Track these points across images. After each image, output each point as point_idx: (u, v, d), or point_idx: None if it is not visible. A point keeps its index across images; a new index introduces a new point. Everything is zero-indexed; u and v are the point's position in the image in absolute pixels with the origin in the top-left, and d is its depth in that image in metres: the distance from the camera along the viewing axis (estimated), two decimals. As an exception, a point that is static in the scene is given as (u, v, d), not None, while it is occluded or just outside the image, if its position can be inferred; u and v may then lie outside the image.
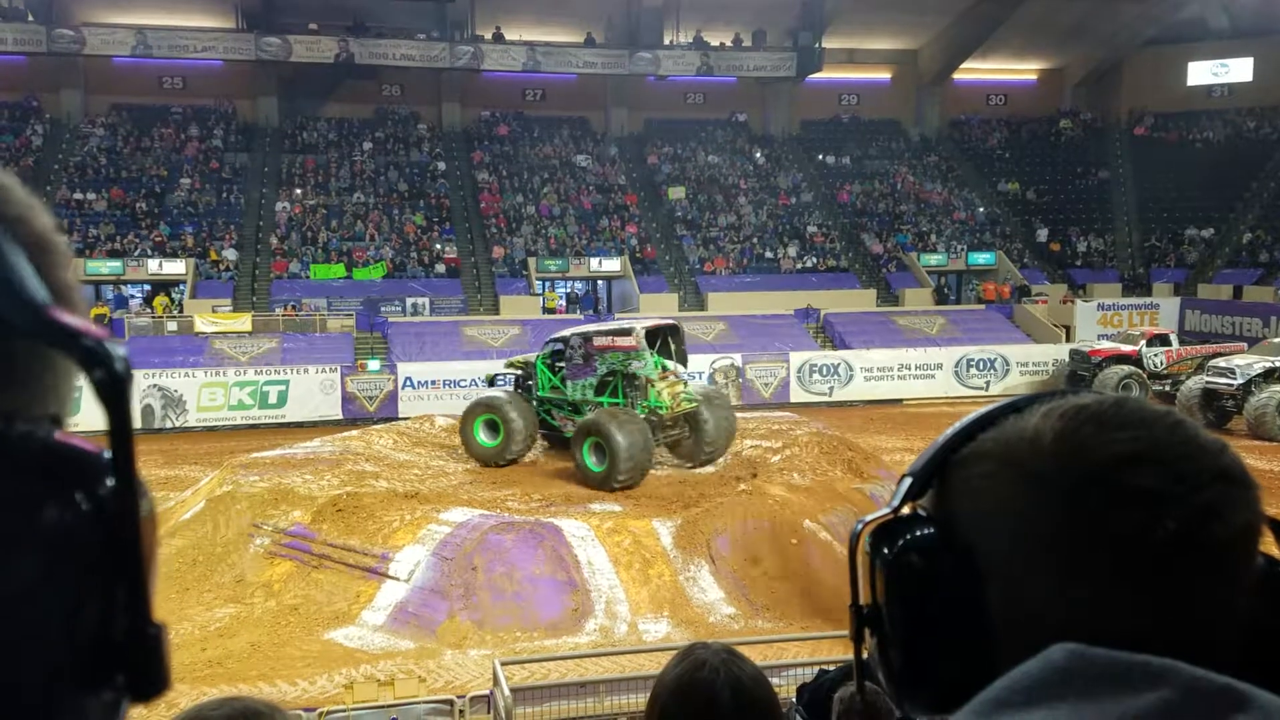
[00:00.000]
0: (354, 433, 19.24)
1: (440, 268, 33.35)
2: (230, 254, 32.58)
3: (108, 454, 0.54)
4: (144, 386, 24.21)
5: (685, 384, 16.32)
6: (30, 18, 34.30)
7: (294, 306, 30.18)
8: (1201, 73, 43.16)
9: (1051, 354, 29.75)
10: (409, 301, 31.30)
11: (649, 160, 39.94)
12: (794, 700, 3.28)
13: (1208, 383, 23.47)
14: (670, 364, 16.14)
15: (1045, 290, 34.97)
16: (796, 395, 28.12)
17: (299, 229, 33.99)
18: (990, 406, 0.83)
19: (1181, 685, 0.65)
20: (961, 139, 44.14)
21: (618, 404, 15.75)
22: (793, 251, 36.04)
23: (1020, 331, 31.96)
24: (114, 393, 0.51)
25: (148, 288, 31.41)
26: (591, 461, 14.80)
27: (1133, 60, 43.65)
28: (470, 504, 13.98)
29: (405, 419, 21.69)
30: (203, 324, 28.37)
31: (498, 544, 12.68)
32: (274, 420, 25.30)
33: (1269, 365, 22.96)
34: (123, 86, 37.75)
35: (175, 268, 31.24)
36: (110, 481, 0.54)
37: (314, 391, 25.79)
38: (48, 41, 34.05)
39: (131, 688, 0.55)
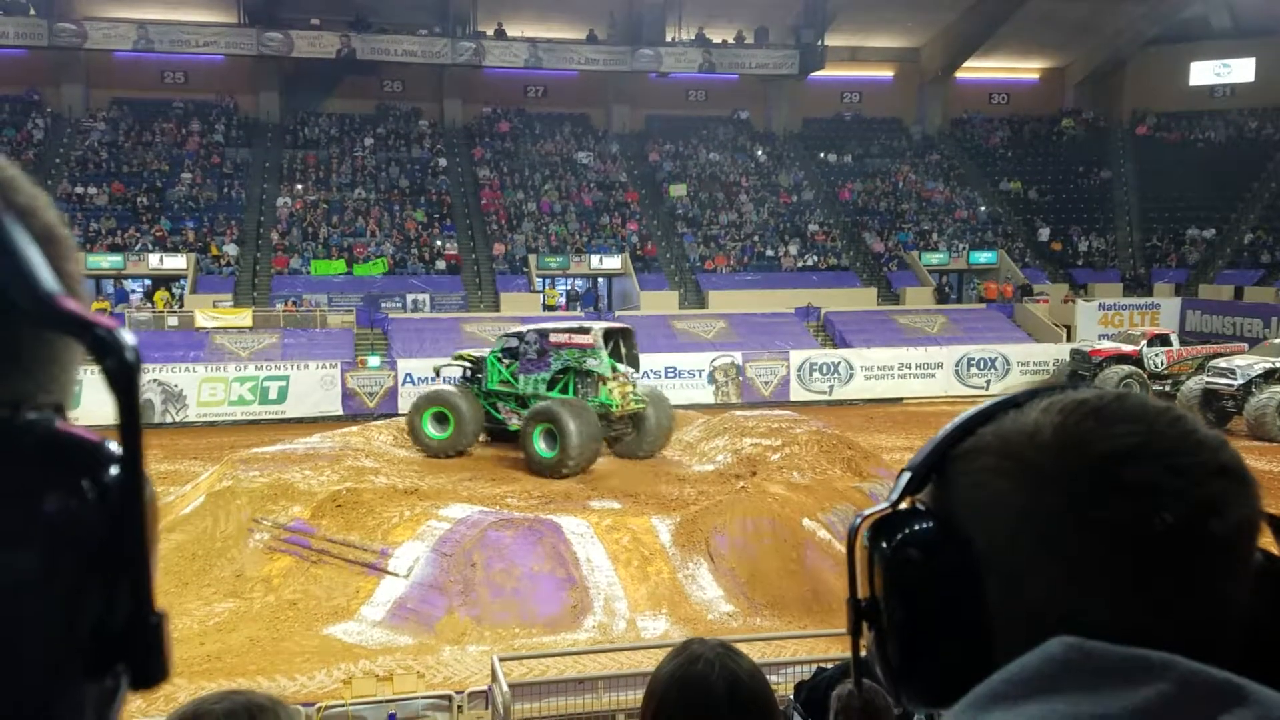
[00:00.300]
0: (354, 429, 19.27)
1: (441, 264, 33.35)
2: (231, 249, 32.58)
3: (111, 444, 0.55)
4: (144, 381, 24.11)
5: (634, 386, 16.91)
6: (32, 11, 34.34)
7: (294, 302, 30.19)
8: (1204, 73, 43.13)
9: (1052, 354, 29.75)
10: (409, 298, 31.30)
11: (650, 157, 39.92)
12: (792, 698, 3.29)
13: (1208, 383, 23.47)
14: (621, 366, 16.79)
15: (1046, 290, 34.97)
16: (796, 394, 28.12)
17: (300, 225, 33.99)
18: (989, 402, 0.82)
19: (1179, 679, 0.65)
20: (963, 137, 44.12)
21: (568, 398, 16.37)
22: (794, 250, 36.03)
23: (1021, 331, 31.97)
24: (125, 382, 0.52)
25: (148, 282, 31.41)
26: (542, 448, 15.33)
27: (1135, 60, 43.62)
28: (470, 500, 13.99)
29: (405, 415, 21.69)
30: (203, 319, 28.37)
31: (497, 540, 12.70)
32: (274, 416, 25.32)
33: (1269, 366, 22.97)
34: (124, 81, 37.74)
35: (176, 263, 31.25)
36: (115, 470, 0.54)
37: (314, 387, 25.80)
38: (49, 35, 34.06)
39: (132, 675, 0.55)
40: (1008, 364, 29.61)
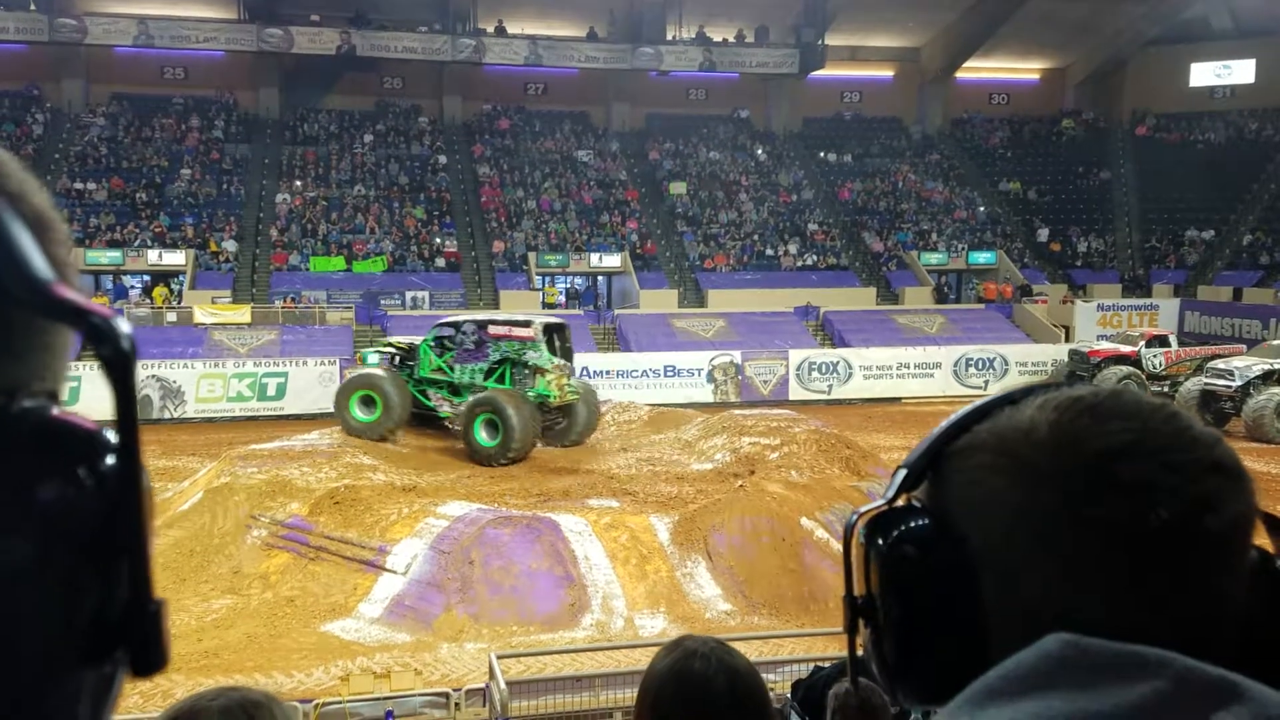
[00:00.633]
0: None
1: (440, 261, 33.33)
2: (230, 245, 32.56)
3: (107, 431, 0.55)
4: (143, 377, 24.20)
5: (569, 378, 17.37)
6: (32, 6, 34.29)
7: (293, 299, 30.17)
8: (1204, 74, 43.15)
9: (1051, 354, 29.76)
10: (409, 295, 31.29)
11: (650, 156, 39.91)
12: (789, 696, 3.29)
13: (1206, 384, 23.47)
14: (556, 359, 17.19)
15: (1045, 290, 34.97)
16: (795, 393, 28.13)
17: (299, 221, 33.97)
18: (985, 399, 0.82)
19: (1175, 676, 0.65)
20: (963, 138, 44.12)
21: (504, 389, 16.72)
22: (793, 249, 36.04)
23: (1020, 331, 31.98)
24: (121, 369, 0.52)
25: (147, 278, 31.39)
26: (483, 437, 15.76)
27: (1135, 60, 43.63)
28: (468, 498, 14.00)
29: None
30: (202, 315, 28.35)
31: (495, 538, 12.70)
32: (272, 412, 25.31)
33: (1268, 367, 22.97)
34: (124, 76, 37.72)
35: (175, 258, 31.22)
36: (112, 458, 0.54)
37: (313, 384, 25.77)
38: (49, 30, 34.04)
39: (131, 662, 0.55)
40: (1006, 364, 29.62)
